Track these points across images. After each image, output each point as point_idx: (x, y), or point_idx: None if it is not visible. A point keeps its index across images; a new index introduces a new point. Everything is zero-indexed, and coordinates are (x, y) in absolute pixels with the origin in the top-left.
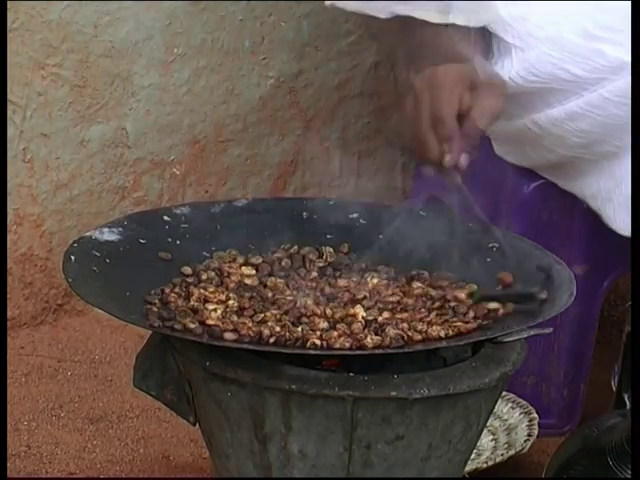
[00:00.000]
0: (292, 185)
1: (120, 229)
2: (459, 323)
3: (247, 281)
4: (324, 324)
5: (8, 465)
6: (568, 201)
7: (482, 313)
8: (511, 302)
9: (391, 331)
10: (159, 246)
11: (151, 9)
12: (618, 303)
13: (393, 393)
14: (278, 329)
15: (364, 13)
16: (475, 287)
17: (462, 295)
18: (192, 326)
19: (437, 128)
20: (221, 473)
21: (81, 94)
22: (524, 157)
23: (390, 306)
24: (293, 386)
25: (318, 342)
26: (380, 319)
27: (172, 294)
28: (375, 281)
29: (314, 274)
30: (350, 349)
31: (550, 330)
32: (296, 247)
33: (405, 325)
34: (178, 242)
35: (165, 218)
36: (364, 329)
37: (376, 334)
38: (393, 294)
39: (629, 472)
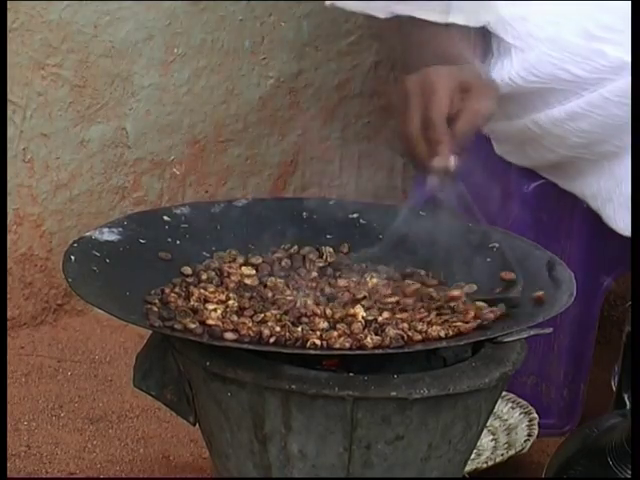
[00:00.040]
0: (292, 185)
1: (120, 229)
2: (459, 323)
3: (247, 281)
4: (324, 324)
5: (8, 465)
6: (568, 201)
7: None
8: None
9: (391, 331)
10: (159, 246)
11: (151, 9)
12: (618, 303)
13: (393, 393)
14: (278, 329)
15: (364, 13)
16: (475, 287)
17: (456, 293)
18: (192, 326)
19: (427, 130)
20: (221, 473)
21: (81, 94)
22: (524, 157)
23: (390, 306)
24: (293, 386)
25: (318, 342)
26: (380, 319)
27: (172, 294)
28: (375, 281)
29: (314, 274)
30: (350, 349)
31: (550, 330)
32: (296, 247)
33: (405, 325)
34: (178, 242)
35: (165, 218)
36: (364, 329)
37: (376, 334)
38: (392, 294)
39: (629, 472)
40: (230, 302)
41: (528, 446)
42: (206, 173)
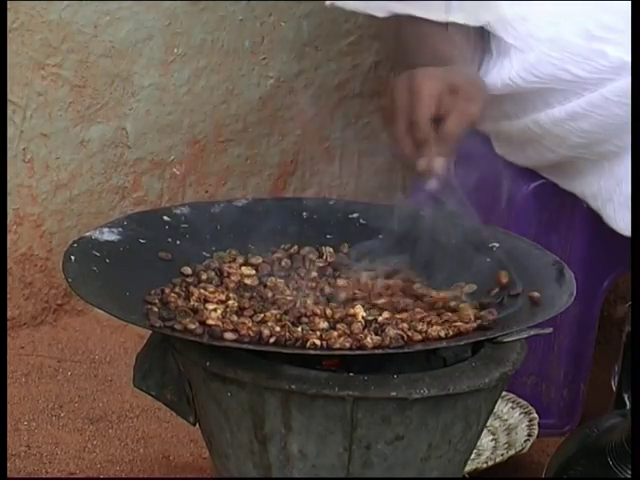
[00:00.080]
0: (292, 185)
1: (120, 229)
2: (459, 323)
3: (247, 281)
4: (324, 324)
5: (8, 465)
6: (568, 201)
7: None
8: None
9: (391, 331)
10: (159, 246)
11: (151, 9)
12: (618, 303)
13: (393, 393)
14: (278, 329)
15: (363, 12)
16: (475, 287)
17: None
18: (192, 326)
19: (413, 131)
20: (221, 473)
21: (81, 94)
22: (524, 157)
23: (390, 306)
24: (293, 386)
25: (318, 342)
26: (380, 319)
27: (172, 294)
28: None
29: (314, 274)
30: (350, 349)
31: (550, 330)
32: (296, 247)
33: (405, 325)
34: (178, 242)
35: (165, 218)
36: (364, 329)
37: (376, 334)
38: (393, 294)
39: (629, 472)
40: (230, 302)
41: (528, 446)
42: (206, 173)
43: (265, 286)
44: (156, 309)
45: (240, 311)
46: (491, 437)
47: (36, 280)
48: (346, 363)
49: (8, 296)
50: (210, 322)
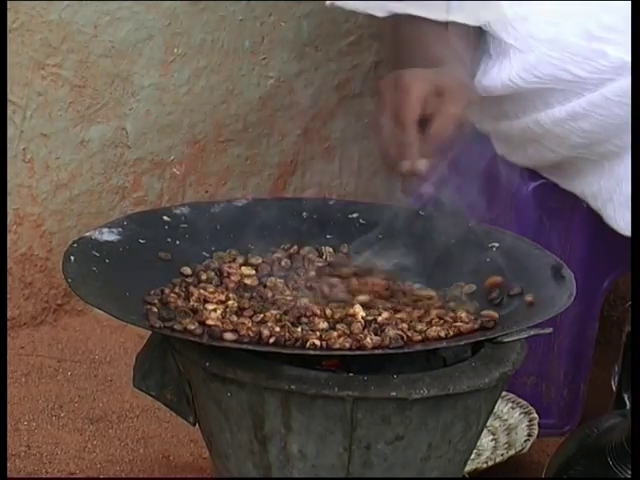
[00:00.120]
0: (292, 185)
1: (120, 229)
2: (459, 323)
3: (247, 281)
4: (324, 324)
5: (8, 465)
6: (568, 201)
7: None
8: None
9: (391, 331)
10: (159, 246)
11: (151, 9)
12: (618, 303)
13: (393, 393)
14: (278, 329)
15: (363, 12)
16: (474, 287)
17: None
18: (192, 327)
19: (397, 133)
20: (221, 473)
21: (81, 94)
22: (525, 157)
23: (389, 306)
24: (293, 386)
25: (318, 342)
26: (380, 319)
27: (172, 294)
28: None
29: (312, 273)
30: (350, 349)
31: (550, 330)
32: (296, 247)
33: (405, 325)
34: (178, 242)
35: (165, 218)
36: (364, 329)
37: (376, 334)
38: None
39: (629, 472)
40: (230, 302)
41: (528, 446)
42: (206, 173)
43: (265, 286)
44: (156, 309)
45: (240, 311)
46: (491, 437)
47: (36, 280)
48: (346, 363)
49: (8, 296)
50: (210, 322)
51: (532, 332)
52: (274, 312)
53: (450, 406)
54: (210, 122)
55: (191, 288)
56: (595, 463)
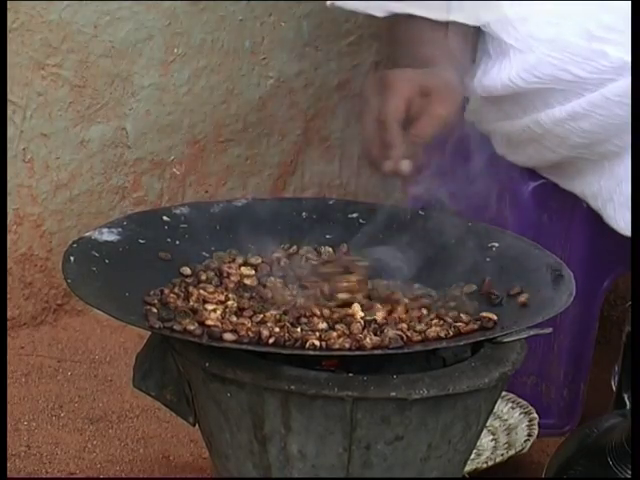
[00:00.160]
0: (292, 185)
1: (119, 229)
2: (459, 323)
3: (246, 281)
4: (323, 324)
5: (8, 465)
6: (568, 201)
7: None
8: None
9: (390, 331)
10: (158, 246)
11: (151, 9)
12: (618, 303)
13: (392, 393)
14: (277, 330)
15: (363, 12)
16: (474, 287)
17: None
18: (191, 327)
19: (380, 133)
20: (221, 473)
21: (81, 94)
22: (525, 157)
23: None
24: (292, 387)
25: (317, 343)
26: (379, 319)
27: (171, 294)
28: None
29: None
30: (349, 350)
31: (550, 330)
32: (295, 247)
33: (404, 325)
34: (177, 242)
35: (164, 218)
36: (363, 329)
37: (375, 334)
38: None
39: (629, 472)
40: (229, 302)
41: (528, 446)
42: (206, 173)
43: (264, 286)
44: (155, 310)
45: (239, 311)
46: (491, 437)
47: (36, 280)
48: (345, 363)
49: (8, 296)
50: (209, 323)
51: (532, 332)
52: (274, 312)
53: (450, 406)
54: (210, 122)
55: (191, 288)
56: (595, 463)
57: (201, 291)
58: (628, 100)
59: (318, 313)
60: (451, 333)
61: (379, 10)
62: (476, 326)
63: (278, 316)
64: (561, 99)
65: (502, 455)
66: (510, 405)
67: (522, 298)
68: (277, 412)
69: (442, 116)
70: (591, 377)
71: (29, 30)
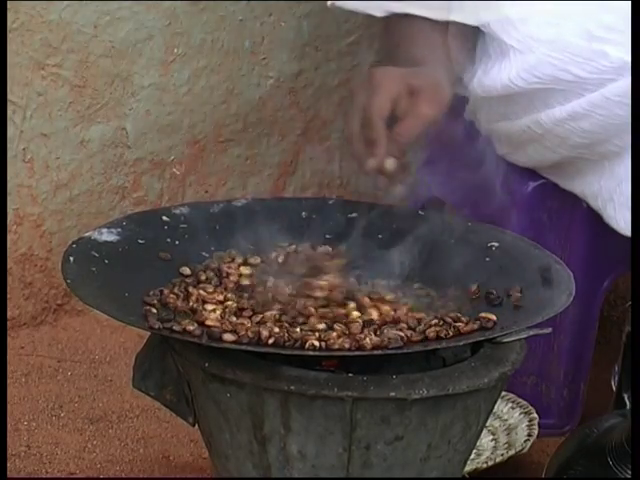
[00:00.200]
0: (292, 185)
1: (119, 229)
2: (458, 323)
3: (246, 281)
4: (323, 325)
5: (8, 465)
6: (568, 201)
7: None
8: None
9: (390, 332)
10: (158, 246)
11: (151, 9)
12: (618, 303)
13: (392, 394)
14: (277, 330)
15: (363, 12)
16: (474, 287)
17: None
18: (191, 327)
19: (365, 130)
20: (221, 473)
21: (81, 94)
22: (525, 157)
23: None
24: (292, 387)
25: (317, 343)
26: (377, 319)
27: (171, 295)
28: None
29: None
30: (349, 350)
31: (550, 330)
32: (294, 247)
33: (404, 325)
34: (177, 242)
35: (164, 218)
36: (363, 329)
37: (375, 334)
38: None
39: (629, 472)
40: (229, 303)
41: (528, 446)
42: (206, 173)
43: (264, 286)
44: (155, 310)
45: (239, 312)
46: (491, 437)
47: (36, 280)
48: (345, 364)
49: (8, 296)
50: (209, 323)
51: (531, 332)
52: (273, 312)
53: (449, 406)
54: (210, 122)
55: (190, 288)
56: (595, 463)
57: (201, 291)
58: (628, 100)
59: (314, 313)
60: (451, 333)
61: (379, 10)
62: (476, 326)
63: (277, 316)
64: (561, 99)
65: (502, 455)
66: (510, 405)
67: (522, 298)
68: (277, 412)
69: (427, 116)
70: (591, 377)
71: (29, 30)
